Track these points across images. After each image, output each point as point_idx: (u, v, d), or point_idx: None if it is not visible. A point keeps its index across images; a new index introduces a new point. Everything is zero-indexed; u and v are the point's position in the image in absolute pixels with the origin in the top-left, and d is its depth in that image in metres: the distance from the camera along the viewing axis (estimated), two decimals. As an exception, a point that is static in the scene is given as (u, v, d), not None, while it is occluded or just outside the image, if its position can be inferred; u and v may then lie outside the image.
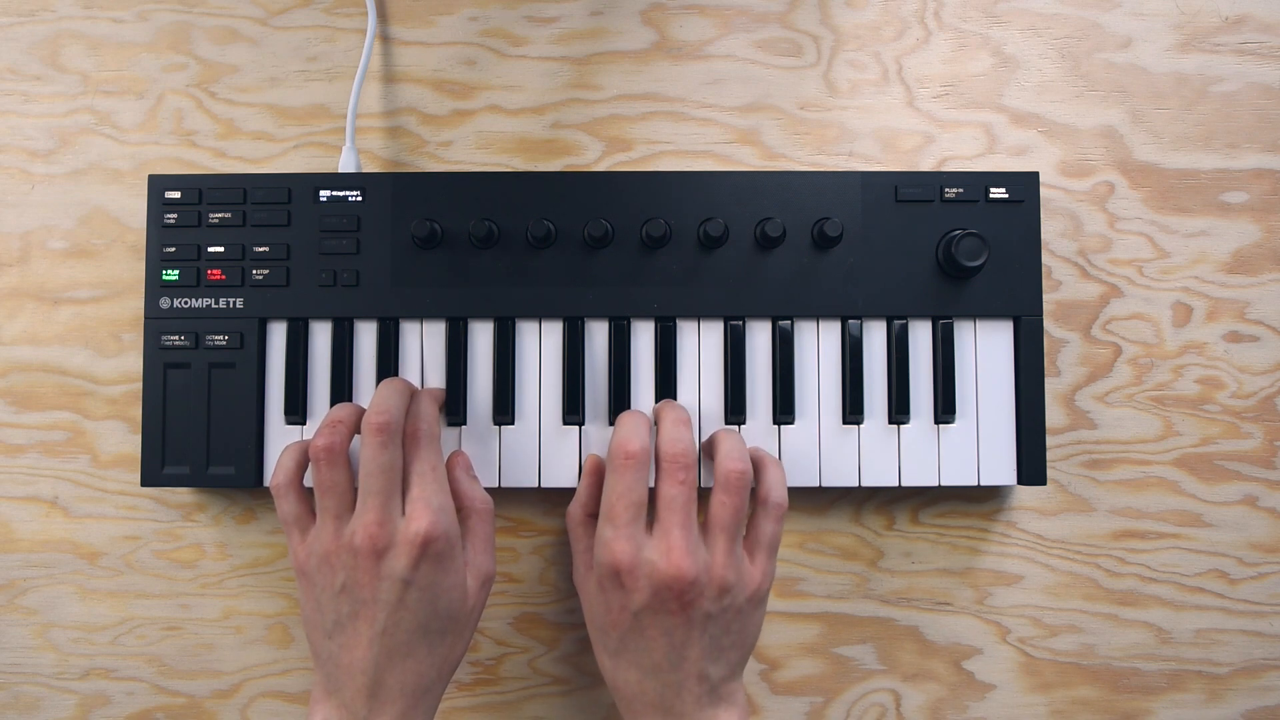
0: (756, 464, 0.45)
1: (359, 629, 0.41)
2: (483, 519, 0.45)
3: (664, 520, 0.41)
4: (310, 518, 0.44)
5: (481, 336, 0.49)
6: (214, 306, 0.49)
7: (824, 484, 0.48)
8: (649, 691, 0.41)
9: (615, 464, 0.42)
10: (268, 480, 0.48)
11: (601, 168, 0.53)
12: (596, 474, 0.47)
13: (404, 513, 0.42)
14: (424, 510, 0.41)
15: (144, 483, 0.48)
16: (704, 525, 0.42)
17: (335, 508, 0.42)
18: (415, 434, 0.43)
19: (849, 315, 0.49)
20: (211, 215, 0.49)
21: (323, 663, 0.42)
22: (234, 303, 0.49)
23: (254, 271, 0.49)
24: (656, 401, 0.49)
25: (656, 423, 0.46)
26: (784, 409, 0.48)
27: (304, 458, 0.45)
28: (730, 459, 0.43)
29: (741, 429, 0.49)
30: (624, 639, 0.41)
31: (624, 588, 0.41)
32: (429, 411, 0.45)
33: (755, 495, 0.44)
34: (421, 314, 0.49)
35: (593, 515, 0.46)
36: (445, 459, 0.47)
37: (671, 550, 0.40)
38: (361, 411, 0.45)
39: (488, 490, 0.46)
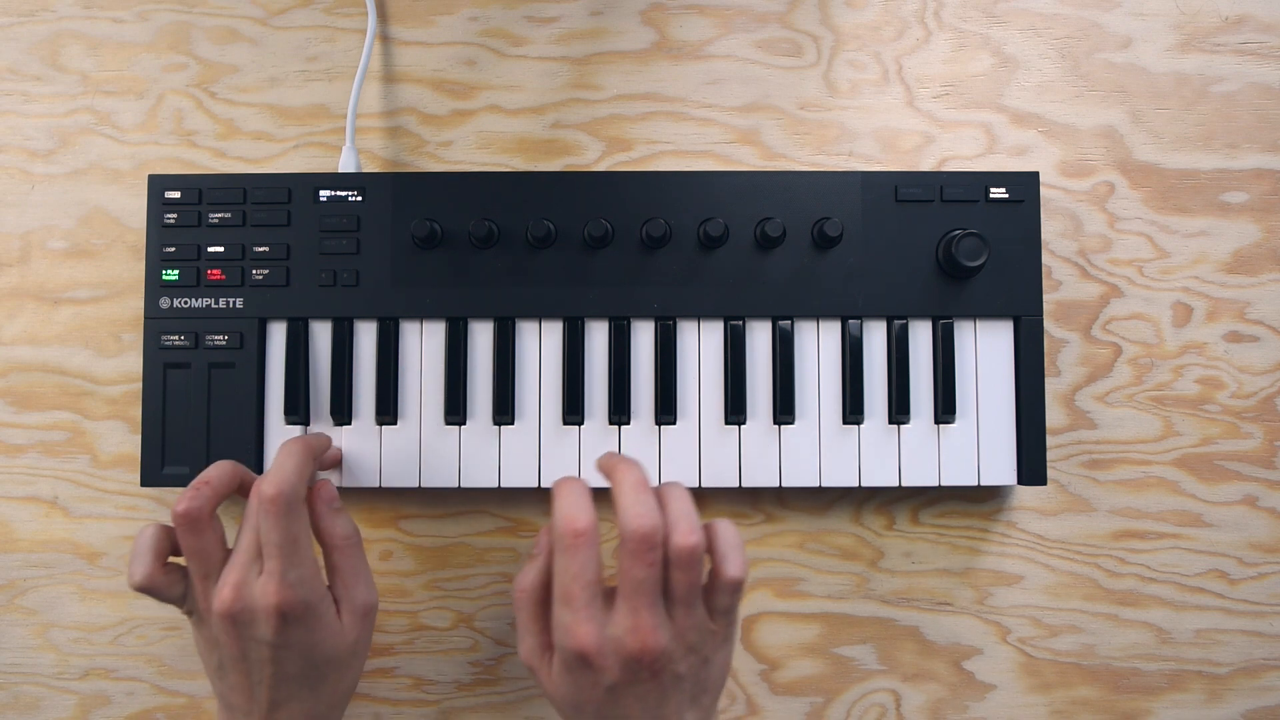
0: (706, 532, 0.41)
1: (239, 680, 0.41)
2: (347, 553, 0.44)
3: (631, 601, 0.38)
4: (181, 584, 0.42)
5: (481, 336, 0.49)
6: (214, 306, 0.49)
7: (824, 484, 0.49)
8: None
9: (564, 544, 0.39)
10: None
11: (601, 168, 0.53)
12: (551, 552, 0.42)
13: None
14: (275, 587, 0.40)
15: (144, 483, 0.48)
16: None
17: (202, 569, 0.41)
18: (264, 499, 0.40)
19: (849, 315, 0.49)
20: (211, 215, 0.49)
21: (218, 695, 0.43)
22: (234, 303, 0.49)
23: (254, 271, 0.49)
24: (655, 407, 0.48)
25: (609, 479, 0.42)
26: (784, 409, 0.48)
27: (160, 543, 0.42)
28: (680, 533, 0.39)
29: (742, 429, 0.49)
30: (599, 711, 0.40)
31: (593, 668, 0.39)
32: (285, 472, 0.41)
33: (711, 571, 0.41)
34: (421, 314, 0.49)
35: (548, 594, 0.42)
36: (309, 492, 0.44)
37: (639, 629, 0.38)
38: (237, 472, 0.43)
39: (487, 491, 0.46)
